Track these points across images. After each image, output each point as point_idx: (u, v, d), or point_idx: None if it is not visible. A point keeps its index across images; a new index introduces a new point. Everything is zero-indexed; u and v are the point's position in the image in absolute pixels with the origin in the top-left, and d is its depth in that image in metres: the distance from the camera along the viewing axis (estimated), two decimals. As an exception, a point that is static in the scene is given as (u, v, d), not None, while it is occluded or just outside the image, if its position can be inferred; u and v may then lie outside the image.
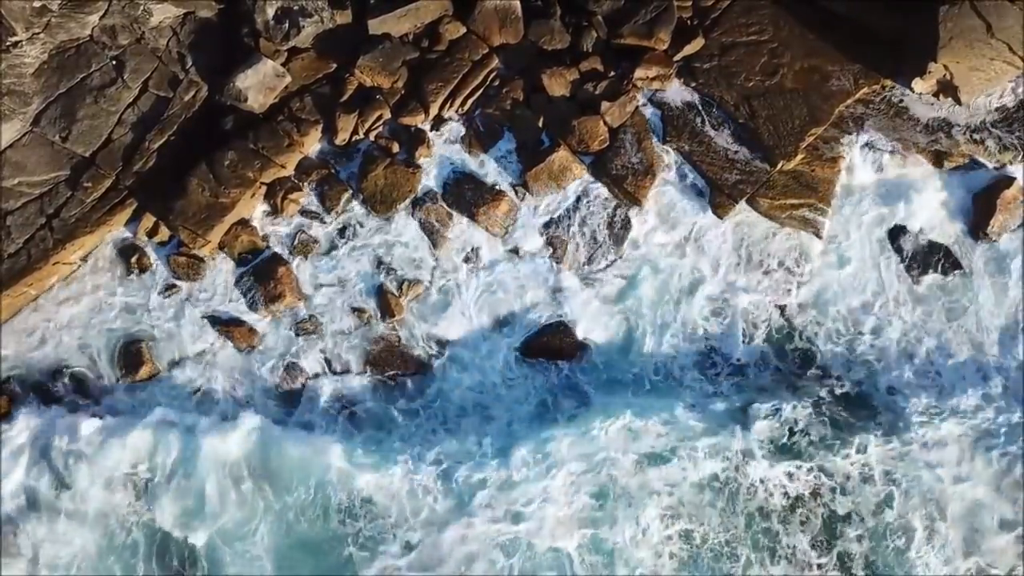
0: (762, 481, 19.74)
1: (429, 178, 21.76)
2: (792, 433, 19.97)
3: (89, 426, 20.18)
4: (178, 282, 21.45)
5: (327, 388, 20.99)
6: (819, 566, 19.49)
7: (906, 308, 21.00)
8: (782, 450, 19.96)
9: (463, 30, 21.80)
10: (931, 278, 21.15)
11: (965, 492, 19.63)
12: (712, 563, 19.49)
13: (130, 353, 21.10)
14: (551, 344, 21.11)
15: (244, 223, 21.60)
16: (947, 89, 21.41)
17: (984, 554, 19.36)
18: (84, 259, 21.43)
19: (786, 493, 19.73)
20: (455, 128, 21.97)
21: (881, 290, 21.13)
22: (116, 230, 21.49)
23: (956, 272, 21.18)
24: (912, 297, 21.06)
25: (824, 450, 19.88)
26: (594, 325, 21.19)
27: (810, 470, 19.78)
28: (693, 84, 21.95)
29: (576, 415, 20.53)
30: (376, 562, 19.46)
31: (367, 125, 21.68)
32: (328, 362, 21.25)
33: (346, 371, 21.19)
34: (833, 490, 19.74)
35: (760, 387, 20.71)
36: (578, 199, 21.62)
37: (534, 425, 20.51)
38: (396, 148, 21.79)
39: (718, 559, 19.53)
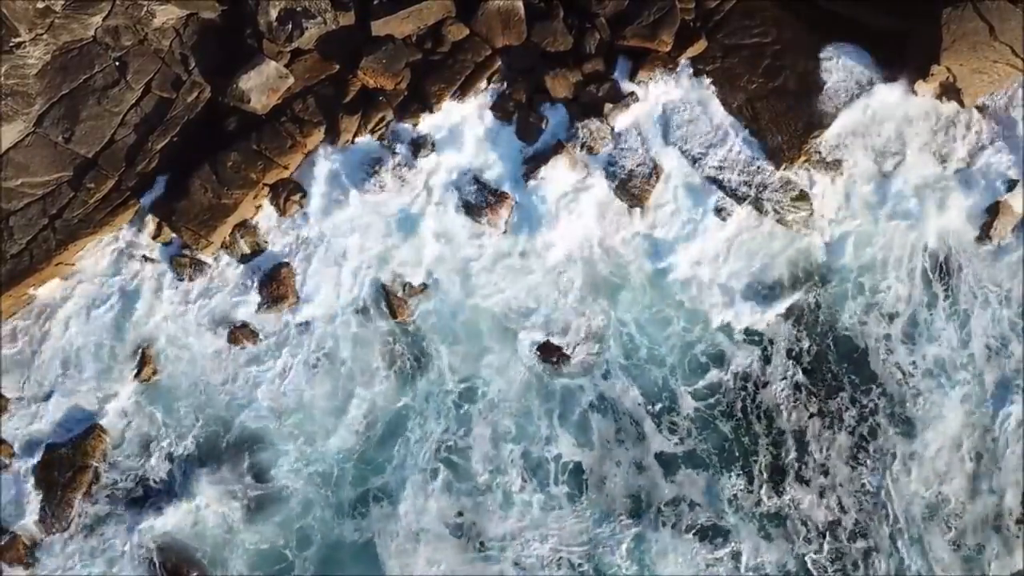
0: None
1: (431, 180, 21.78)
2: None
3: None
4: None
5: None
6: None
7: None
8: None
9: (466, 31, 21.78)
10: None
11: None
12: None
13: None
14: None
15: (246, 224, 21.63)
16: (950, 91, 21.41)
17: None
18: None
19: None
20: (457, 129, 22.01)
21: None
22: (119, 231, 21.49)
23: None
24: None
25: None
26: None
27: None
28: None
29: None
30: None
31: (370, 126, 21.69)
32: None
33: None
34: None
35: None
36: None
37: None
38: (399, 149, 21.79)
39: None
